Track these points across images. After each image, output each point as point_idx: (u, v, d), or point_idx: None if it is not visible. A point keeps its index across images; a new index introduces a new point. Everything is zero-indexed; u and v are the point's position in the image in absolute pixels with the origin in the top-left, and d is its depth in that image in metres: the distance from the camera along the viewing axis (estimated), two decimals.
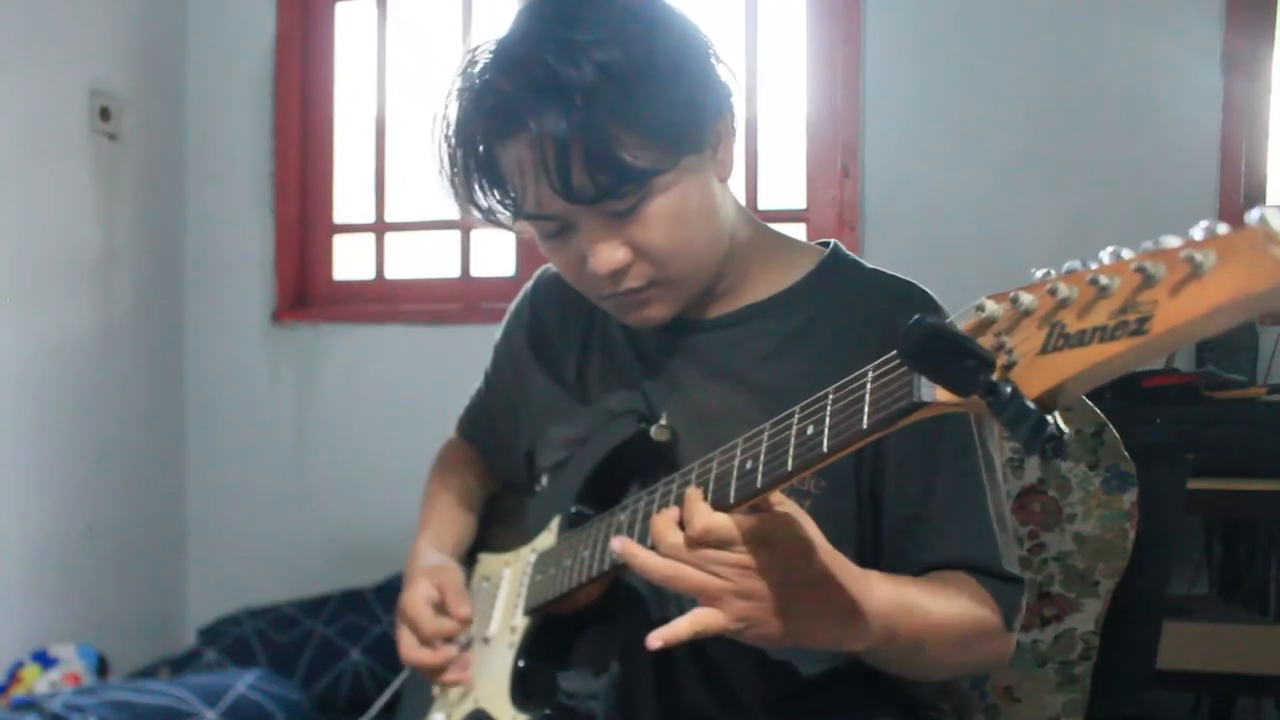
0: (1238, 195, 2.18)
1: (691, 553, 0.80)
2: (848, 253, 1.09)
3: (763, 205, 2.48)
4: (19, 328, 2.29)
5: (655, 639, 0.81)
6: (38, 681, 2.19)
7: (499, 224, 1.03)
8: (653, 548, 0.83)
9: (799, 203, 2.47)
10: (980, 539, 0.97)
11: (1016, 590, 0.98)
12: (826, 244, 1.10)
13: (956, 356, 0.61)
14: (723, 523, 0.79)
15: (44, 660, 2.24)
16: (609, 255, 0.97)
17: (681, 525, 0.82)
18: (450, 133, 1.00)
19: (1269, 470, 1.86)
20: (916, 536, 0.98)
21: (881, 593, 0.86)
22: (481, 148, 0.98)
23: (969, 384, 0.60)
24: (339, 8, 2.76)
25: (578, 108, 0.89)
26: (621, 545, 0.86)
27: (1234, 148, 2.19)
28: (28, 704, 1.90)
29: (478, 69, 0.97)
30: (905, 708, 1.05)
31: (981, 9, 2.33)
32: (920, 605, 0.90)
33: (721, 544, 0.80)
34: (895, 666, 0.96)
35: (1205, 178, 2.19)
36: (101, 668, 2.32)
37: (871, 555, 1.00)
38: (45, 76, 2.34)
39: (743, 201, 1.09)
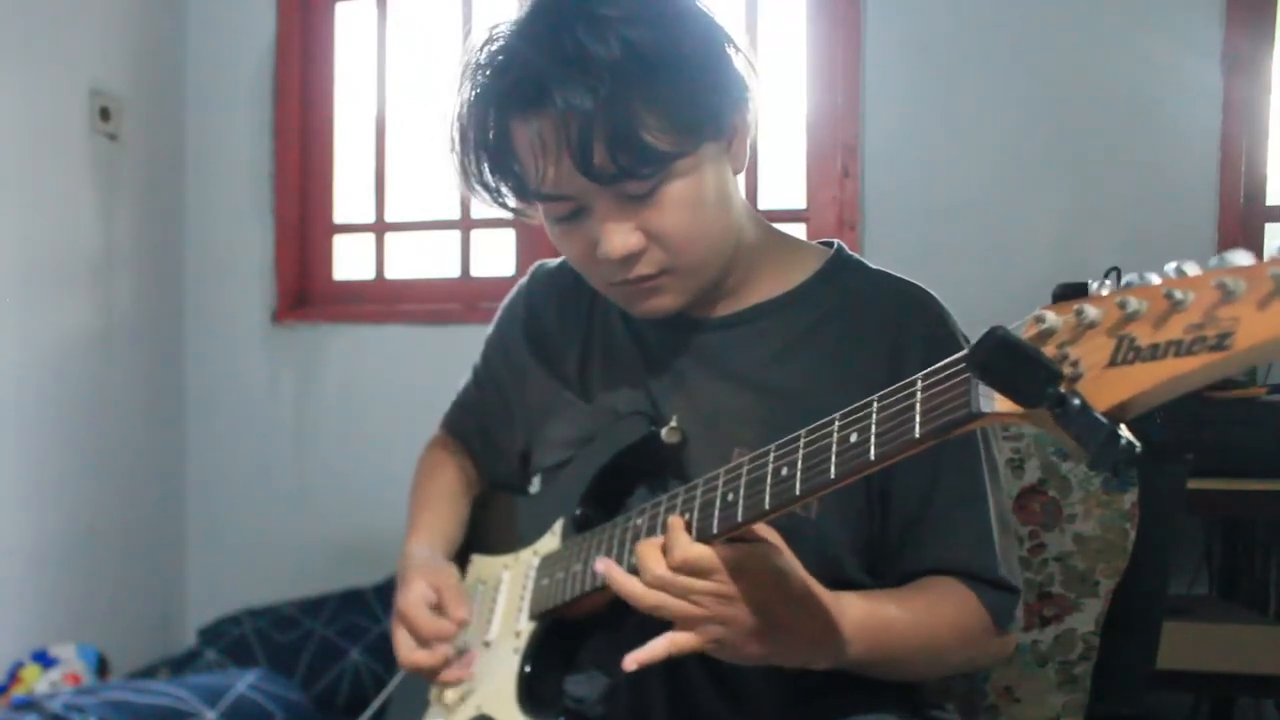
0: (1238, 195, 2.18)
1: (673, 581, 0.83)
2: (852, 254, 1.09)
3: (763, 205, 2.48)
4: (19, 328, 2.29)
5: (631, 662, 0.85)
6: (38, 681, 2.19)
7: (505, 206, 1.02)
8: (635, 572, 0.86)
9: (799, 203, 2.47)
10: (977, 545, 0.97)
11: (1010, 598, 0.98)
12: (830, 244, 1.10)
13: (1026, 368, 0.60)
14: (703, 554, 0.82)
15: (44, 660, 2.24)
16: (621, 240, 0.95)
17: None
18: (465, 109, 0.98)
19: (1269, 470, 1.86)
20: (915, 541, 0.98)
21: (854, 615, 0.88)
22: (499, 123, 0.96)
23: (1038, 396, 0.60)
24: (339, 8, 2.76)
25: (604, 84, 0.88)
26: (605, 568, 0.88)
27: (1234, 148, 2.18)
28: (28, 704, 1.90)
29: (497, 45, 0.96)
30: (911, 708, 1.05)
31: (981, 9, 2.33)
32: (897, 621, 0.92)
33: (701, 574, 0.82)
34: (876, 673, 0.97)
35: (1205, 178, 2.19)
36: (101, 668, 2.31)
37: (878, 554, 1.00)
38: (45, 76, 2.34)
39: None
